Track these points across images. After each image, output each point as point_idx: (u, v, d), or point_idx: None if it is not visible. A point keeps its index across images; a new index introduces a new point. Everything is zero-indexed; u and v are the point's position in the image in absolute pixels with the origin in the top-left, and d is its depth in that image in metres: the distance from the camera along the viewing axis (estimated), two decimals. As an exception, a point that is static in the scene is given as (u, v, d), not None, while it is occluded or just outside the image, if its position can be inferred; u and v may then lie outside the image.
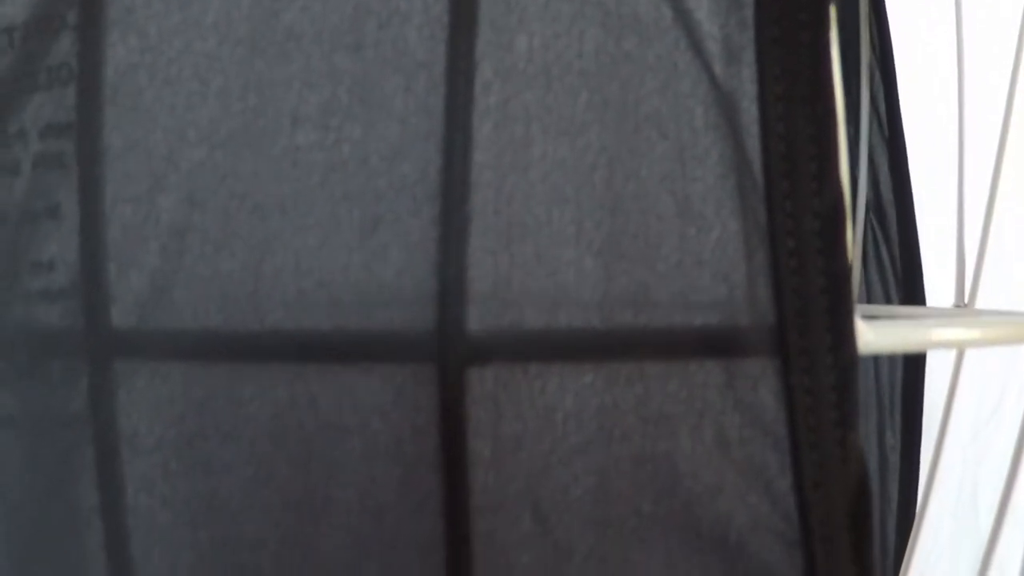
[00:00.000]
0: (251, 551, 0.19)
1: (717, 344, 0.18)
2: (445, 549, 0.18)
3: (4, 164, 0.20)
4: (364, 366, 0.18)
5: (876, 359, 0.36)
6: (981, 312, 0.30)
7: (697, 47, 0.18)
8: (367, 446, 0.18)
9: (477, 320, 0.18)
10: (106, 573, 0.20)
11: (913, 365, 0.36)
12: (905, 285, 0.36)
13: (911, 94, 0.37)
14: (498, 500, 0.18)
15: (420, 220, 0.18)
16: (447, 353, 0.18)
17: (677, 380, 0.18)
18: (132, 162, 0.19)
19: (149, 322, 0.19)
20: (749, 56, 0.18)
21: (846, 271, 0.18)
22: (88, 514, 0.20)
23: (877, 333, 0.20)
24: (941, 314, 0.21)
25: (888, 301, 0.36)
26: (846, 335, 0.18)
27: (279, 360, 0.19)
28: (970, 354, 0.37)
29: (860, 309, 0.22)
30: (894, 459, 0.36)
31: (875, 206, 0.37)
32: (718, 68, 0.18)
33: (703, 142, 0.18)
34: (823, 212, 0.18)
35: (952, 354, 0.36)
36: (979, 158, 0.36)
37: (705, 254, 0.18)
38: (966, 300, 0.34)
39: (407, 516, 0.18)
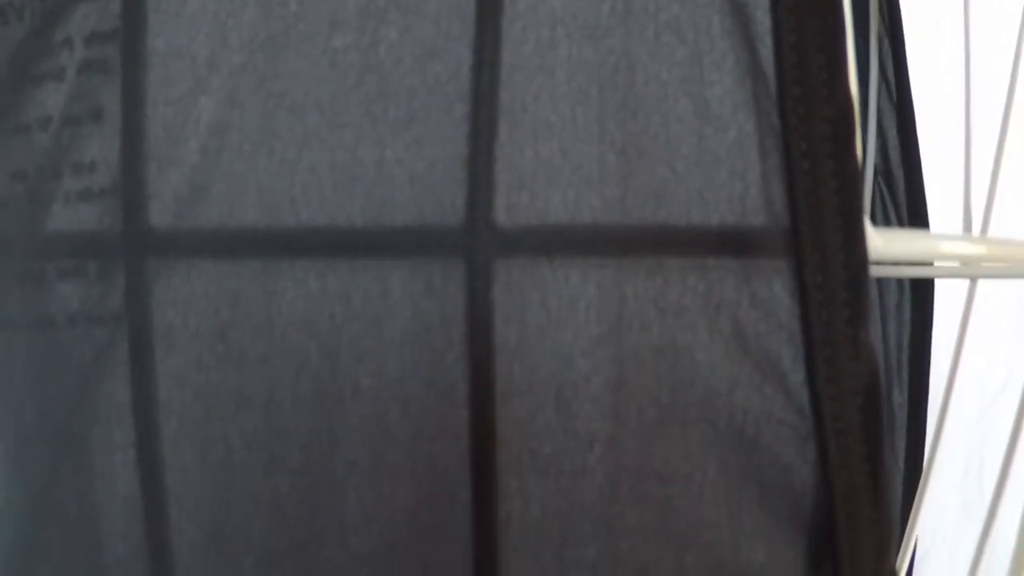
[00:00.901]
0: (280, 443, 0.20)
1: (733, 242, 0.19)
2: (470, 437, 0.19)
3: (49, 71, 0.21)
4: (395, 259, 0.19)
5: (884, 320, 0.37)
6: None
7: None
8: (396, 336, 0.19)
9: (504, 213, 0.19)
10: (135, 471, 0.21)
11: (920, 325, 0.37)
12: (913, 247, 0.37)
13: (918, 61, 0.39)
14: (522, 388, 0.19)
15: (451, 117, 0.19)
16: (475, 245, 0.19)
17: (695, 274, 0.19)
18: (174, 66, 0.20)
19: (187, 220, 0.20)
20: None
21: (856, 175, 0.19)
22: (119, 412, 0.21)
23: (886, 240, 0.21)
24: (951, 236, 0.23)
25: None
26: (857, 235, 0.19)
27: (312, 255, 0.20)
28: (975, 331, 0.38)
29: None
30: (901, 416, 0.37)
31: (883, 170, 0.38)
32: None
33: (720, 48, 0.19)
34: (833, 117, 0.19)
35: (957, 330, 0.37)
36: (985, 124, 0.37)
37: (722, 153, 0.19)
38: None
39: (434, 404, 0.19)
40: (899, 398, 0.37)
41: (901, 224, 0.38)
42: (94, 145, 0.20)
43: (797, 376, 0.19)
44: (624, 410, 0.19)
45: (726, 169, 0.19)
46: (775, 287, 0.19)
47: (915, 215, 0.37)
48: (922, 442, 0.37)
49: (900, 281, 0.37)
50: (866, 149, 0.38)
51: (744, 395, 0.19)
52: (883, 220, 0.38)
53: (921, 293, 0.37)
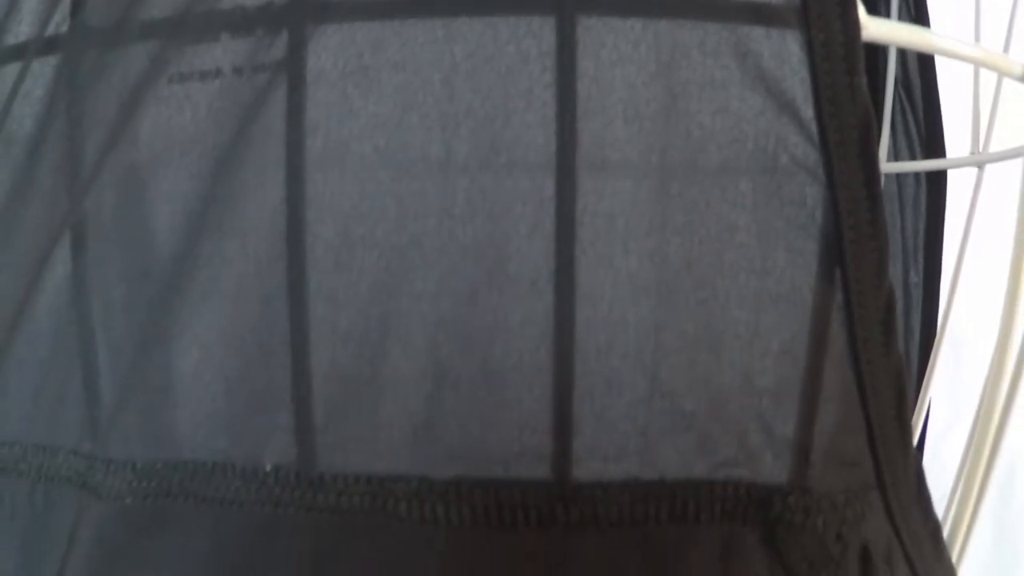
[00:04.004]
0: (405, 155, 0.29)
1: (757, 12, 0.28)
2: (556, 142, 0.28)
3: None
4: (504, 15, 0.28)
5: (902, 210, 0.45)
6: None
7: None
8: (502, 68, 0.28)
9: None
10: (282, 184, 0.29)
11: (934, 213, 0.45)
12: (928, 146, 0.46)
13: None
14: (598, 107, 0.28)
15: None
16: (564, 4, 0.28)
17: (727, 31, 0.28)
18: None
19: None
20: None
21: None
22: (273, 137, 0.29)
23: (877, 25, 0.29)
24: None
25: (913, 158, 0.46)
26: (850, 9, 0.28)
27: (440, 14, 0.28)
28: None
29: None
30: (917, 294, 0.45)
31: (903, 80, 0.47)
32: None
33: None
34: None
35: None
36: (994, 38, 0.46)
37: None
38: (980, 149, 0.44)
39: (531, 118, 0.28)
40: (915, 278, 0.45)
41: (919, 129, 0.46)
42: None
43: (808, 112, 0.28)
44: (675, 128, 0.28)
45: None
46: (789, 42, 0.28)
47: (930, 117, 0.46)
48: (935, 317, 0.45)
49: (917, 175, 0.46)
50: (888, 65, 0.47)
51: (767, 122, 0.28)
52: (902, 124, 0.46)
53: (934, 185, 0.45)
